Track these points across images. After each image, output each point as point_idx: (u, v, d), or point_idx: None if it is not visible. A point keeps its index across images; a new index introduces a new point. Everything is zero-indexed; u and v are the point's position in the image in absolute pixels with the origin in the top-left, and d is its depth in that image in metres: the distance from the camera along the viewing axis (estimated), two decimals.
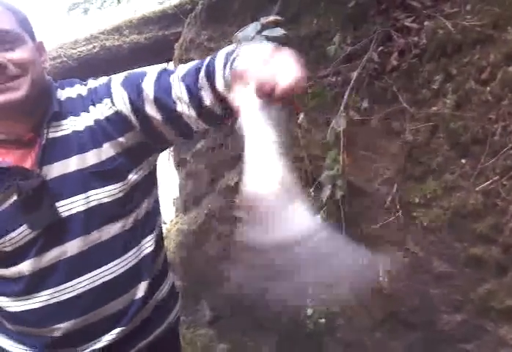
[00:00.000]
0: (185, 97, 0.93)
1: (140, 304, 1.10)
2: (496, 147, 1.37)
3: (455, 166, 1.47)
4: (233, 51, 0.83)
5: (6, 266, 1.02)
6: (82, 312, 1.03)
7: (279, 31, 1.46)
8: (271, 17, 1.51)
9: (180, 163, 2.74)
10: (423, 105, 1.54)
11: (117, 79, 1.03)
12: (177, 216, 2.99)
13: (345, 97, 1.68)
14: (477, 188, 1.41)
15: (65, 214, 0.98)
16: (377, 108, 1.67)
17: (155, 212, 1.15)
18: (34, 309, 1.02)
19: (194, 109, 0.94)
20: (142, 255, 1.10)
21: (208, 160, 2.41)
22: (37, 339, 1.06)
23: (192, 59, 2.37)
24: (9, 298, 1.05)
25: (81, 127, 1.01)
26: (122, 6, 3.59)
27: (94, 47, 3.42)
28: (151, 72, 1.01)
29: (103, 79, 1.06)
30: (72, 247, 1.00)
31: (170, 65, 2.99)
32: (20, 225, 0.97)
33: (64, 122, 1.01)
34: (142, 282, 1.10)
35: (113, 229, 1.03)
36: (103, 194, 1.00)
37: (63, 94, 1.05)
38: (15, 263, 1.00)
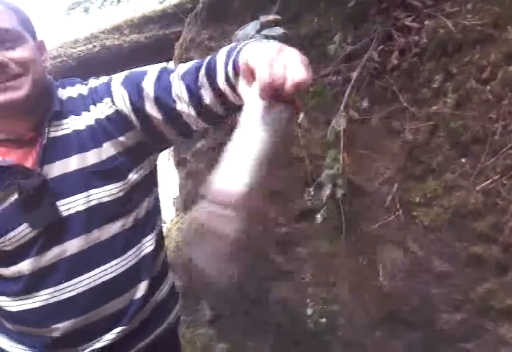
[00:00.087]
0: (185, 96, 0.93)
1: (140, 304, 1.10)
2: (497, 147, 1.37)
3: (456, 166, 1.47)
4: (235, 48, 0.83)
5: (6, 265, 1.02)
6: (82, 312, 1.03)
7: (278, 30, 1.47)
8: (271, 16, 1.51)
9: (180, 163, 2.74)
10: (423, 104, 1.54)
11: (118, 78, 1.03)
12: (177, 216, 2.99)
13: (346, 96, 1.68)
14: (477, 188, 1.41)
15: (66, 213, 0.98)
16: (377, 107, 1.67)
17: (155, 211, 1.15)
18: (34, 308, 1.02)
19: (194, 108, 0.94)
20: (142, 254, 1.09)
21: (208, 159, 2.41)
22: (36, 339, 1.06)
23: (192, 58, 2.38)
24: (8, 298, 1.05)
25: (81, 127, 1.01)
26: (123, 6, 3.59)
27: (94, 46, 3.42)
28: (151, 71, 1.01)
29: (104, 78, 1.06)
30: (73, 246, 1.00)
31: (170, 64, 2.99)
32: (21, 224, 0.97)
33: (65, 121, 1.01)
34: (142, 282, 1.10)
35: (113, 228, 1.03)
36: (103, 193, 1.00)
37: (64, 93, 1.05)
38: (15, 262, 1.00)
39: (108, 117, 1.02)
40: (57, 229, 0.98)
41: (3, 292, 1.05)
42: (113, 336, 1.07)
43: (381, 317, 1.78)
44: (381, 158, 1.67)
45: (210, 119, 0.98)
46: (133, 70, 1.11)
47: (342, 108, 1.65)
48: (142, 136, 1.03)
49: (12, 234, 0.97)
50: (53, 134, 0.99)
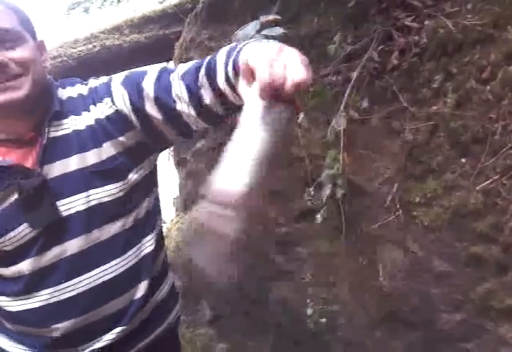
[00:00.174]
0: (185, 96, 0.93)
1: (140, 304, 1.10)
2: (497, 147, 1.37)
3: (456, 166, 1.47)
4: (235, 48, 0.83)
5: (6, 265, 1.02)
6: (82, 312, 1.03)
7: (278, 30, 1.46)
8: (271, 16, 1.51)
9: (180, 163, 2.74)
10: (423, 104, 1.54)
11: (118, 78, 1.03)
12: (177, 216, 2.99)
13: (346, 96, 1.68)
14: (477, 188, 1.41)
15: (65, 213, 0.98)
16: (377, 107, 1.67)
17: (155, 211, 1.15)
18: (34, 308, 1.02)
19: (194, 108, 0.94)
20: (142, 254, 1.09)
21: (208, 159, 2.41)
22: (36, 339, 1.06)
23: (192, 58, 2.38)
24: (8, 298, 1.05)
25: (81, 127, 1.01)
26: (123, 6, 3.59)
27: (94, 46, 3.42)
28: (151, 71, 1.01)
29: (104, 78, 1.06)
30: (73, 246, 1.00)
31: (170, 64, 2.99)
32: (21, 224, 0.97)
33: (65, 121, 1.01)
34: (142, 282, 1.09)
35: (113, 228, 1.03)
36: (103, 193, 1.00)
37: (64, 93, 1.05)
38: (15, 262, 1.00)
39: (108, 117, 1.02)
40: (57, 229, 0.98)
41: (3, 292, 1.05)
42: (113, 336, 1.07)
43: (381, 317, 1.78)
44: (381, 158, 1.67)
45: (210, 119, 0.98)
46: (133, 70, 1.11)
47: (342, 108, 1.65)
48: (142, 136, 1.03)
49: (12, 234, 0.97)
50: (53, 134, 0.99)
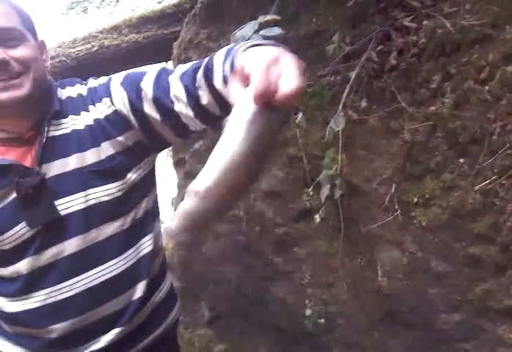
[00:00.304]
0: (183, 96, 0.93)
1: (138, 305, 1.09)
2: (495, 147, 1.37)
3: (454, 166, 1.47)
4: (233, 50, 0.83)
5: (5, 265, 1.02)
6: (79, 312, 1.03)
7: (276, 31, 1.46)
8: (269, 17, 1.51)
9: (178, 163, 2.74)
10: (422, 104, 1.54)
11: (117, 79, 1.03)
12: None
13: (344, 96, 1.68)
14: (475, 188, 1.41)
15: (64, 212, 0.98)
16: (376, 107, 1.67)
17: (153, 211, 1.15)
18: (31, 309, 1.02)
19: (192, 109, 0.94)
20: (141, 255, 1.09)
21: (207, 159, 2.40)
22: (34, 340, 1.06)
23: (191, 58, 2.38)
24: (5, 298, 1.05)
25: (81, 126, 1.02)
26: (121, 5, 3.59)
27: (92, 46, 3.41)
28: (150, 71, 1.01)
29: (103, 79, 1.07)
30: (71, 246, 1.00)
31: (169, 64, 2.99)
32: (19, 223, 0.97)
33: (64, 120, 1.02)
34: (140, 282, 1.09)
35: (111, 228, 1.03)
36: (101, 193, 1.00)
37: (64, 93, 1.06)
38: (13, 262, 1.00)
39: (107, 117, 1.02)
40: (55, 228, 0.98)
41: (0, 292, 1.05)
42: (111, 337, 1.07)
43: (380, 317, 1.79)
44: (380, 158, 1.67)
45: (208, 120, 0.97)
46: (132, 70, 1.11)
47: (340, 108, 1.65)
48: (141, 136, 1.03)
49: (10, 233, 0.98)
50: (52, 133, 1.00)
